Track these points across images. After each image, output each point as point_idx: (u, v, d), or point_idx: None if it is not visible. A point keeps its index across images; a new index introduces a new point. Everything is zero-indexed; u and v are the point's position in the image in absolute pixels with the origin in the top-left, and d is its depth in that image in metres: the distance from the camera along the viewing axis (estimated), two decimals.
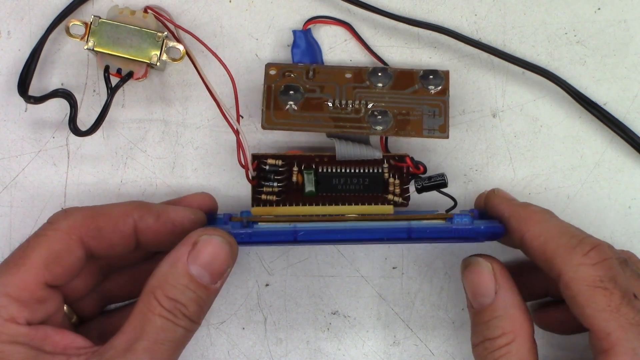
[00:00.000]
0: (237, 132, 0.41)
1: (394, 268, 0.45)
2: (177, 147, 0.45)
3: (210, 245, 0.36)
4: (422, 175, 0.43)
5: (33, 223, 0.45)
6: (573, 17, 0.45)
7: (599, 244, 0.36)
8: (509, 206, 0.39)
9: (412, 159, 0.42)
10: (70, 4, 0.45)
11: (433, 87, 0.42)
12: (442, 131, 0.42)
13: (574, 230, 0.37)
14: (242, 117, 0.45)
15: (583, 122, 0.45)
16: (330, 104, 0.42)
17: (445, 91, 0.42)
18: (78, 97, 0.45)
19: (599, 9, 0.45)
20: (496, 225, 0.38)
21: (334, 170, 0.43)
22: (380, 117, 0.42)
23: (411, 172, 0.43)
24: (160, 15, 0.43)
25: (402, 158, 0.43)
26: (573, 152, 0.45)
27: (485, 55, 0.45)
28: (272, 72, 0.43)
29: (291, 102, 0.42)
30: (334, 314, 0.45)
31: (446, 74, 0.43)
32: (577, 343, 0.43)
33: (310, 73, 0.43)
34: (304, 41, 0.44)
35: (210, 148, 0.45)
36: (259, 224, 0.39)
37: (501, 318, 0.36)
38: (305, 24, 0.45)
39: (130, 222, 0.38)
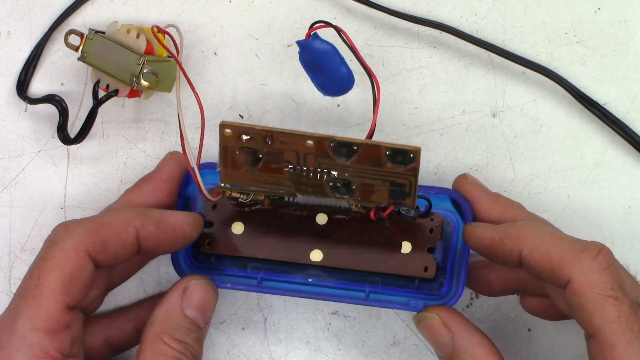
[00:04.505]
0: (192, 170, 0.40)
1: None
2: (177, 147, 0.45)
3: (200, 289, 0.39)
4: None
5: (33, 223, 0.45)
6: (573, 17, 0.45)
7: (603, 247, 0.35)
8: (496, 230, 0.38)
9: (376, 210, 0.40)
10: (72, 5, 0.45)
11: (402, 167, 0.38)
12: (409, 204, 0.39)
13: (570, 237, 0.37)
14: (242, 117, 0.45)
15: (583, 121, 0.45)
16: (290, 168, 0.39)
17: (415, 169, 0.38)
18: (77, 104, 0.45)
19: (599, 9, 0.45)
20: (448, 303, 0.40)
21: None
22: (343, 188, 0.39)
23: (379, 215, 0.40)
24: (156, 36, 0.42)
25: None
26: (573, 152, 0.45)
27: (485, 54, 0.45)
28: (228, 131, 0.38)
29: (249, 166, 0.39)
30: (334, 314, 0.45)
31: (417, 153, 0.37)
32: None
33: (268, 139, 0.38)
34: (313, 49, 0.40)
35: (210, 148, 0.45)
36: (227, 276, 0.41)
37: None
38: (307, 32, 0.41)
39: (133, 231, 0.38)
